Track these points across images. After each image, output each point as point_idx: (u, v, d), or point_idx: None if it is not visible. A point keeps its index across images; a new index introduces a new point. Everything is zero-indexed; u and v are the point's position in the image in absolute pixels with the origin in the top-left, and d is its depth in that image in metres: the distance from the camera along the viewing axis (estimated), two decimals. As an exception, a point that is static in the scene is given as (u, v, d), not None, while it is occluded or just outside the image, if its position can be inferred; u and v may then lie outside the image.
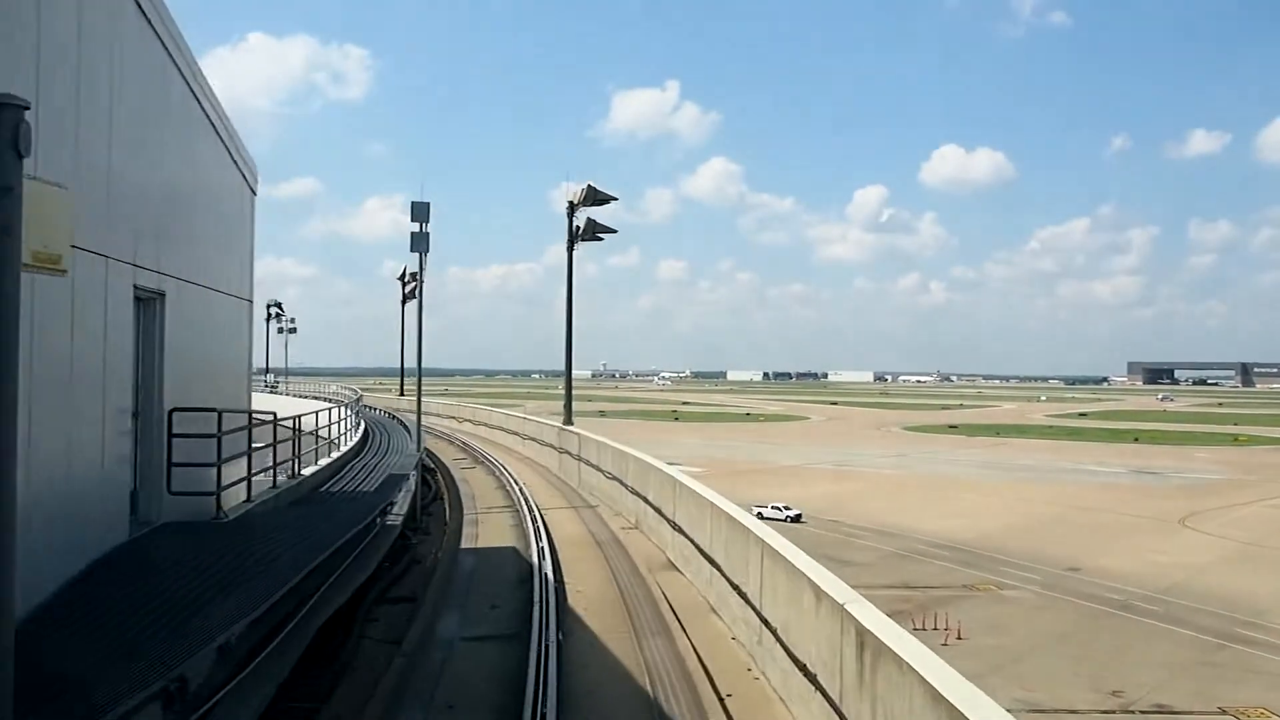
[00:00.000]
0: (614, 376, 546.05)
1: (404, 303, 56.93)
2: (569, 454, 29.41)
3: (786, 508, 68.47)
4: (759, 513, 68.28)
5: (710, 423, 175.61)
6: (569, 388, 31.65)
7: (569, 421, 30.44)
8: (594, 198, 28.17)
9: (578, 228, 29.00)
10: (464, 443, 39.65)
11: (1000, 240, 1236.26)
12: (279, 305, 63.41)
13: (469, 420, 45.63)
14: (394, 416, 44.88)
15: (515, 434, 39.41)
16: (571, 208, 28.86)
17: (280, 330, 61.74)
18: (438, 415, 49.55)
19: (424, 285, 58.00)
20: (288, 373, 63.15)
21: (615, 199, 28.94)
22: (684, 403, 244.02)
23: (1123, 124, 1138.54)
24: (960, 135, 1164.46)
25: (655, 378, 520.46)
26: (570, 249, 29.54)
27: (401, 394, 65.95)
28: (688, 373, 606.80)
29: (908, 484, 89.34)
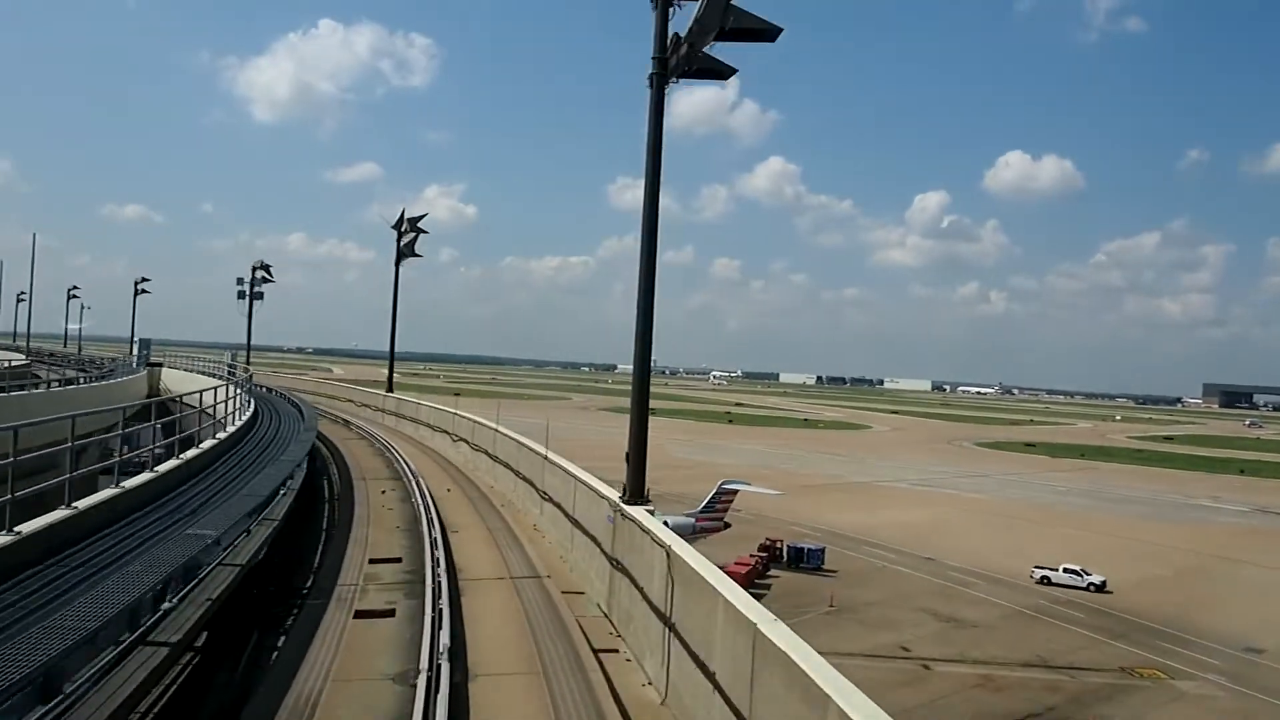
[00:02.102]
0: (664, 373, 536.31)
1: (398, 261, 44.31)
2: (631, 580, 11.67)
3: (1085, 571, 52.49)
4: (1045, 576, 52.64)
5: (766, 428, 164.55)
6: (643, 418, 13.68)
7: (639, 497, 12.85)
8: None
9: (675, 35, 12.41)
10: (423, 490, 20.98)
11: (1065, 251, 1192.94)
12: (266, 268, 52.48)
13: (466, 441, 30.62)
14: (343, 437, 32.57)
15: (529, 482, 20.15)
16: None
17: (241, 295, 51.12)
18: (429, 426, 37.29)
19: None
20: (249, 351, 52.55)
21: None
22: (737, 404, 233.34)
23: (1198, 136, 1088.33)
24: (1027, 142, 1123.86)
25: (710, 376, 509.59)
26: (661, 85, 12.79)
27: (390, 390, 45.88)
28: (739, 373, 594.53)
29: (1003, 512, 77.65)
